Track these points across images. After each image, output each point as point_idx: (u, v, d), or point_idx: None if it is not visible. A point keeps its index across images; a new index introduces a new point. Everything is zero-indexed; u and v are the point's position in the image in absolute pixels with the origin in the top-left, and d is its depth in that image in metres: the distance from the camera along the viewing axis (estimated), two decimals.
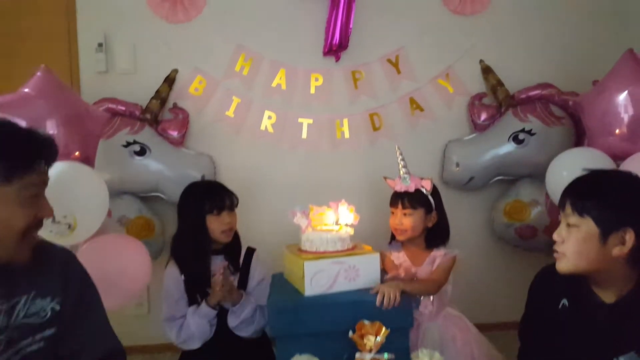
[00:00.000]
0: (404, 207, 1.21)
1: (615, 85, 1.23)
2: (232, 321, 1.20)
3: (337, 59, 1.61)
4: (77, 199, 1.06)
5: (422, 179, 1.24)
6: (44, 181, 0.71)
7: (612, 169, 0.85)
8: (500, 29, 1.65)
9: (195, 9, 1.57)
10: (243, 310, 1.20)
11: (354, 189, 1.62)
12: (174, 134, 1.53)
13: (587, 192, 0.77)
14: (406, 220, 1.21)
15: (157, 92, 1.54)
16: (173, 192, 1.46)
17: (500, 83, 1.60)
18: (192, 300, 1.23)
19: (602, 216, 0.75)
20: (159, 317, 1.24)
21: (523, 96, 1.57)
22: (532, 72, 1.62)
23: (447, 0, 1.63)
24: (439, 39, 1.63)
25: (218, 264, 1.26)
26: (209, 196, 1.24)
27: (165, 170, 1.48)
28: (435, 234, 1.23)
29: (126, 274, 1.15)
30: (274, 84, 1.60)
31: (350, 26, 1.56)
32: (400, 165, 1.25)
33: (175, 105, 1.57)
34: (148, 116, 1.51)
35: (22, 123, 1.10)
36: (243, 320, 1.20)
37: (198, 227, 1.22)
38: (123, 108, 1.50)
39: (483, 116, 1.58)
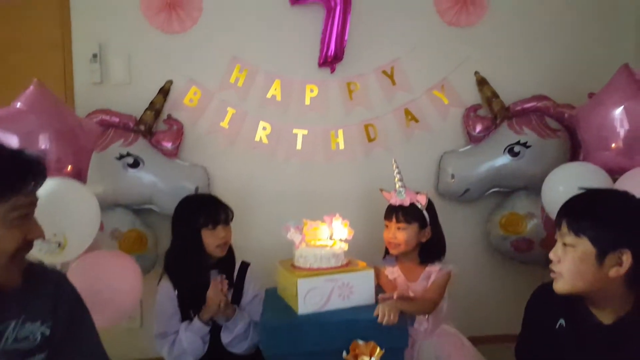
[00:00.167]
0: (398, 221, 1.21)
1: (611, 99, 1.23)
2: (225, 337, 1.19)
3: (332, 70, 1.61)
4: (67, 217, 1.05)
5: (417, 193, 1.24)
6: (32, 202, 0.70)
7: (609, 188, 0.84)
8: (496, 41, 1.65)
9: (191, 19, 1.56)
10: (236, 326, 1.19)
11: (349, 200, 1.61)
12: (168, 145, 1.52)
13: (583, 212, 0.77)
14: (400, 234, 1.21)
15: (152, 103, 1.53)
16: (167, 205, 1.45)
17: (495, 95, 1.60)
18: (185, 316, 1.22)
19: (598, 236, 0.74)
20: (152, 331, 1.22)
21: (518, 108, 1.57)
22: (528, 84, 1.62)
23: (442, 12, 1.63)
24: (434, 51, 1.63)
25: (212, 278, 1.25)
26: (204, 210, 1.23)
27: (159, 182, 1.47)
28: (430, 250, 1.22)
29: (117, 292, 1.13)
30: (269, 95, 1.60)
31: (346, 38, 1.56)
32: (397, 179, 1.25)
33: (169, 117, 1.56)
34: (142, 127, 1.50)
35: (14, 138, 1.13)
36: (236, 336, 1.19)
37: (193, 241, 1.21)
38: (117, 119, 1.49)
39: (478, 128, 1.58)
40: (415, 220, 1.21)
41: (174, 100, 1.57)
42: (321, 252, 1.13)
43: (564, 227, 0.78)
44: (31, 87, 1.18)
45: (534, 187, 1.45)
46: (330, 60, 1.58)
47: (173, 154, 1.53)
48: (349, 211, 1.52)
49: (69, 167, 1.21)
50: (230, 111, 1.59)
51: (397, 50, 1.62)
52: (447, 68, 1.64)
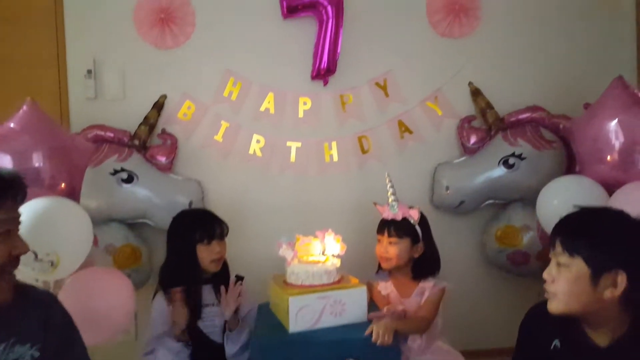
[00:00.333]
0: (389, 236, 1.21)
1: (605, 112, 1.22)
2: (230, 348, 1.18)
3: (325, 82, 1.61)
4: (59, 236, 1.05)
5: (410, 207, 1.23)
6: (14, 218, 0.71)
7: (604, 207, 0.83)
8: (489, 51, 1.64)
9: (184, 35, 1.57)
10: (241, 336, 1.18)
11: (343, 212, 1.60)
12: (162, 159, 1.52)
13: (577, 231, 0.76)
14: (392, 249, 1.20)
15: (146, 118, 1.54)
16: (161, 219, 1.45)
17: (489, 105, 1.59)
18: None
19: (592, 257, 0.73)
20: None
21: (513, 119, 1.55)
22: (522, 95, 1.61)
23: (434, 23, 1.63)
24: (427, 62, 1.63)
25: (207, 293, 1.25)
26: (199, 225, 1.24)
27: (153, 197, 1.47)
28: (422, 265, 1.21)
29: (110, 308, 1.13)
30: (262, 108, 1.60)
31: (338, 50, 1.56)
32: (390, 193, 1.24)
33: (163, 131, 1.57)
34: (136, 142, 1.51)
35: (7, 157, 1.14)
36: (241, 347, 1.18)
37: (188, 256, 1.22)
38: (112, 135, 1.50)
39: (473, 139, 1.56)
40: (407, 235, 1.20)
41: (168, 115, 1.58)
42: (313, 268, 1.13)
43: (558, 247, 0.76)
44: (24, 107, 1.19)
45: (529, 199, 1.43)
46: (323, 73, 1.58)
47: (167, 168, 1.54)
48: (343, 223, 1.53)
49: (63, 185, 1.22)
50: (224, 124, 1.59)
51: (390, 62, 1.62)
52: (440, 79, 1.63)
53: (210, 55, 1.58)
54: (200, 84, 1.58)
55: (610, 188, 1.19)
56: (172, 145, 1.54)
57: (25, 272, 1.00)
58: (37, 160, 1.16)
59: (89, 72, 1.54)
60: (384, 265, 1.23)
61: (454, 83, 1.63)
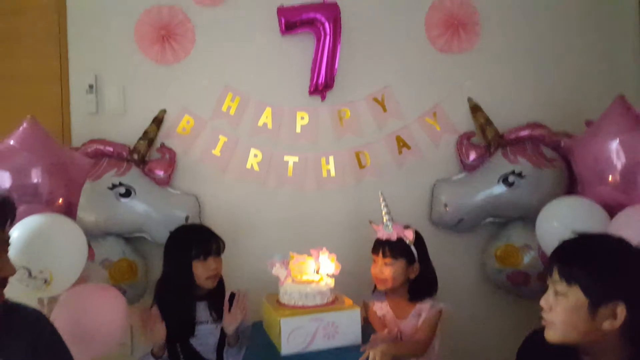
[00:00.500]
0: (384, 256, 1.19)
1: (606, 132, 1.20)
2: None
3: (323, 98, 1.61)
4: (53, 253, 1.06)
5: (406, 227, 1.21)
6: (4, 240, 0.71)
7: (603, 234, 0.80)
8: (489, 67, 1.63)
9: (184, 51, 1.59)
10: (241, 350, 1.17)
11: (340, 227, 1.59)
12: (161, 173, 1.53)
13: (575, 259, 0.73)
14: (387, 270, 1.18)
15: (145, 132, 1.55)
16: (158, 233, 1.46)
17: (489, 122, 1.57)
18: (171, 348, 1.21)
19: (590, 286, 0.70)
20: None
21: (512, 136, 1.53)
22: (522, 111, 1.59)
23: (433, 39, 1.62)
24: (425, 77, 1.62)
25: (201, 310, 1.24)
26: (195, 241, 1.24)
27: (151, 211, 1.48)
28: (419, 287, 1.19)
29: (104, 324, 1.13)
30: (260, 123, 1.61)
31: (336, 65, 1.56)
32: (384, 212, 1.23)
33: (162, 145, 1.58)
34: (135, 157, 1.52)
35: (6, 174, 1.16)
36: None
37: (184, 272, 1.21)
38: (111, 149, 1.51)
39: (472, 156, 1.54)
40: (402, 256, 1.18)
41: (167, 129, 1.59)
42: (306, 289, 1.12)
43: (556, 274, 0.74)
44: (24, 124, 1.21)
45: (530, 218, 1.40)
46: (320, 88, 1.58)
47: (165, 182, 1.54)
48: (340, 239, 1.51)
49: (60, 200, 1.23)
50: (222, 139, 1.60)
51: (388, 77, 1.61)
52: (439, 94, 1.62)
53: (210, 71, 1.59)
54: (200, 98, 1.59)
55: (612, 210, 1.16)
56: (170, 159, 1.55)
57: (20, 289, 1.00)
58: (35, 177, 1.18)
59: (91, 87, 1.57)
60: (380, 286, 1.21)
61: (453, 99, 1.62)
